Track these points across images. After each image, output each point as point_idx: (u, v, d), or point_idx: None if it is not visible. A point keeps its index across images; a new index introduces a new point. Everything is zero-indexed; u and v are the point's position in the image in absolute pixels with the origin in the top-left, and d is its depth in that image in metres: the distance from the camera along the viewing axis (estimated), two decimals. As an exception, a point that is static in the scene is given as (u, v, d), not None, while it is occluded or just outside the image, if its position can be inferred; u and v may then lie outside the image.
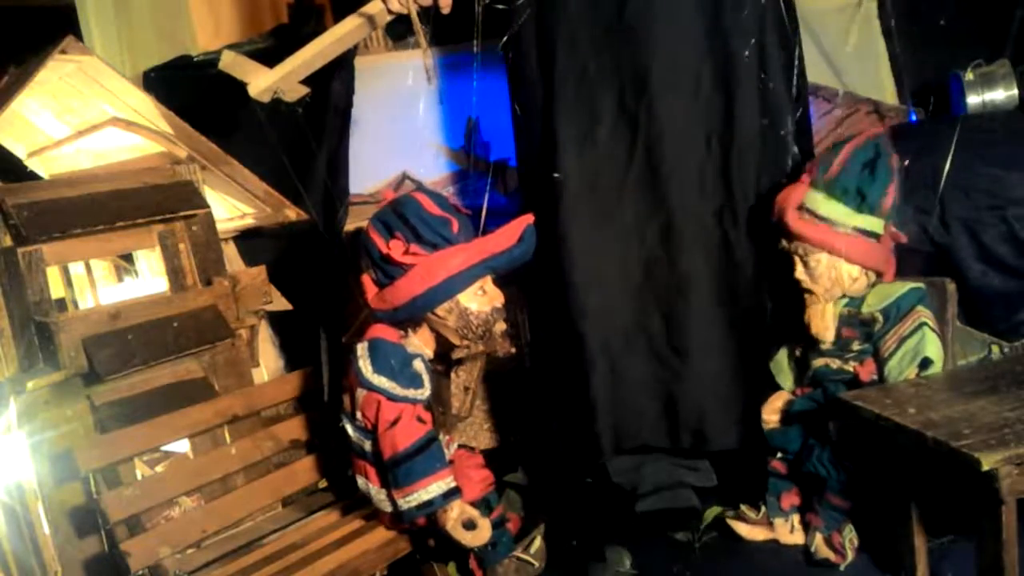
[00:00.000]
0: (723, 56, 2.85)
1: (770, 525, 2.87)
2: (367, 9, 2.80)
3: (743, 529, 2.90)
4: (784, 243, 2.70)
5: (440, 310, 2.47)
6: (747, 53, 2.82)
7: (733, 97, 2.86)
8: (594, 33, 2.89)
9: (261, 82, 2.92)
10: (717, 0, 2.83)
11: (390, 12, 2.76)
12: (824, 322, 2.69)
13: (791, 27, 2.85)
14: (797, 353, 2.85)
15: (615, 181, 2.94)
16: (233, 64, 3.08)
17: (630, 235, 2.96)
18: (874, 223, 2.61)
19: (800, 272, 2.68)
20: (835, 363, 2.74)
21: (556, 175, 2.91)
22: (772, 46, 2.86)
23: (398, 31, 3.73)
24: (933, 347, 2.56)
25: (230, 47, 3.84)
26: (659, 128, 2.89)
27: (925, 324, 2.58)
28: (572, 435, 3.06)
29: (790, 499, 2.84)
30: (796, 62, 2.85)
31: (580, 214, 2.96)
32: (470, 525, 2.42)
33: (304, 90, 2.97)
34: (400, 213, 2.46)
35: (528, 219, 2.53)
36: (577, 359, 2.98)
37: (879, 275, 2.67)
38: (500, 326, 2.58)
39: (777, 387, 2.89)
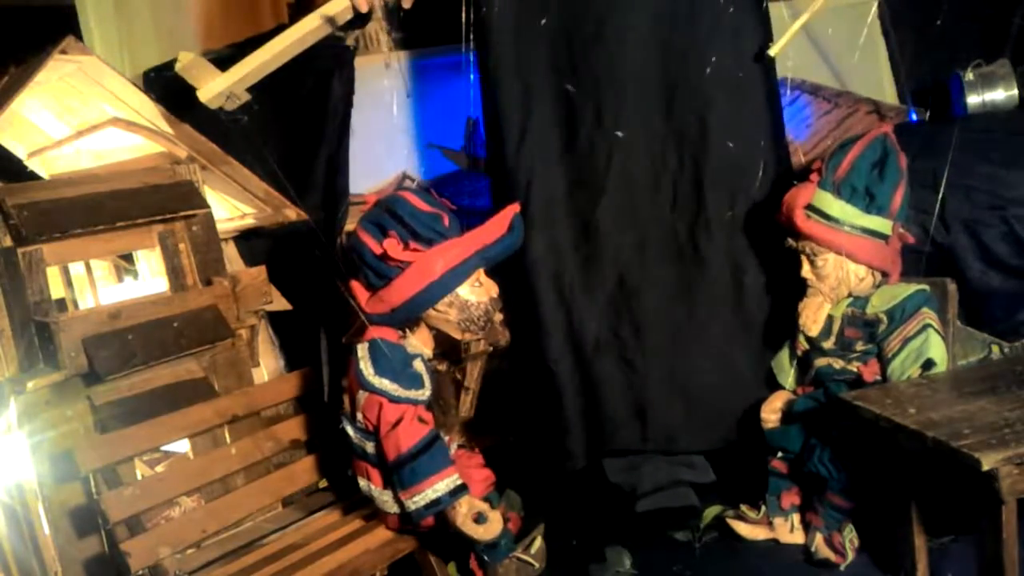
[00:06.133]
0: (699, 70, 2.84)
1: (770, 524, 2.87)
2: (327, 9, 2.74)
3: (743, 529, 2.90)
4: (791, 242, 2.70)
5: (440, 305, 2.48)
6: (722, 67, 2.82)
7: (708, 111, 2.85)
8: (571, 47, 2.88)
9: (213, 86, 2.86)
10: (693, 15, 2.83)
11: (356, 11, 2.71)
12: (815, 315, 2.69)
13: (766, 40, 2.85)
14: (799, 352, 2.85)
15: (590, 193, 2.93)
16: (188, 67, 3.01)
17: (604, 246, 2.96)
18: (882, 224, 2.62)
19: (807, 271, 2.68)
20: (838, 363, 2.74)
21: (530, 181, 2.90)
22: (748, 60, 2.85)
23: (353, 25, 3.66)
24: (937, 349, 2.56)
25: (230, 47, 3.83)
26: (633, 141, 2.89)
27: (930, 326, 2.58)
28: (547, 441, 3.06)
29: (790, 498, 2.84)
30: (771, 75, 2.87)
31: (554, 224, 2.95)
32: (481, 519, 2.43)
33: (246, 97, 2.91)
34: (392, 212, 2.47)
35: (515, 208, 2.55)
36: (547, 366, 2.97)
37: (885, 275, 2.67)
38: (499, 316, 2.58)
39: (778, 386, 2.89)
